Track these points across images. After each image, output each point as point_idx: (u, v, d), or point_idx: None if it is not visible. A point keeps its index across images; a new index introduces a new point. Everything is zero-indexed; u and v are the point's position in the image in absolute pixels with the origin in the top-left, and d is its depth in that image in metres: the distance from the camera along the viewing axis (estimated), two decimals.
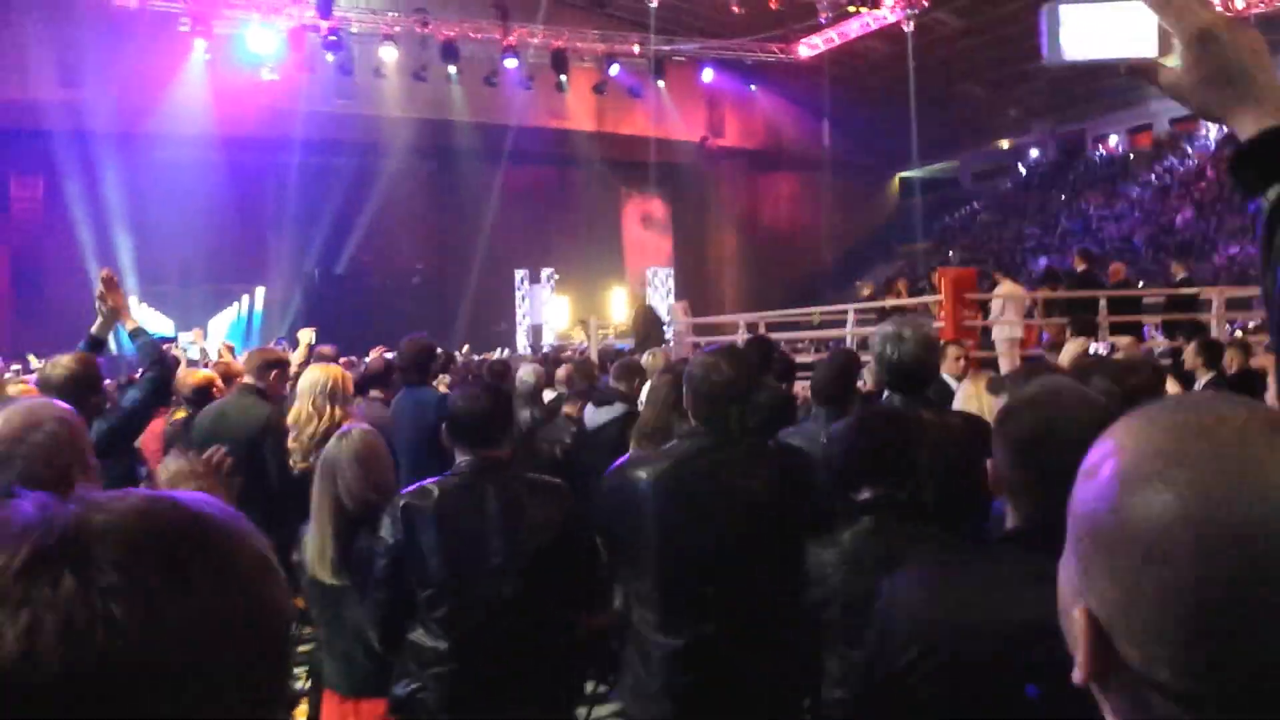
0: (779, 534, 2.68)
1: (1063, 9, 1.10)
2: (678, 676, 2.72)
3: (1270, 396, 5.11)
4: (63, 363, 3.68)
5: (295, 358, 6.25)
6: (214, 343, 24.28)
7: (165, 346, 5.14)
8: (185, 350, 12.10)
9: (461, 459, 2.95)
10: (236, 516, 0.73)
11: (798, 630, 2.77)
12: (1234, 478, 0.68)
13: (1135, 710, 0.72)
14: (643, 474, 2.79)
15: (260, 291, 28.62)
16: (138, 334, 4.53)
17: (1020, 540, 1.64)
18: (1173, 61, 1.05)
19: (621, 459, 2.97)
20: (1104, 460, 0.74)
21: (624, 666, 3.01)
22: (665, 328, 14.02)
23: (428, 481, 2.93)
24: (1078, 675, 0.74)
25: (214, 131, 24.42)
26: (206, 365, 8.69)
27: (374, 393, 6.56)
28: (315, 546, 3.09)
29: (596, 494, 2.95)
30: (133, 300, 25.54)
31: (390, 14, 25.13)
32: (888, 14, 25.46)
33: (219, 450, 2.20)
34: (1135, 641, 0.70)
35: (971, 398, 3.75)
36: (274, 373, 5.10)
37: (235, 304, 28.84)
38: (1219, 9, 1.08)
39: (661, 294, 33.36)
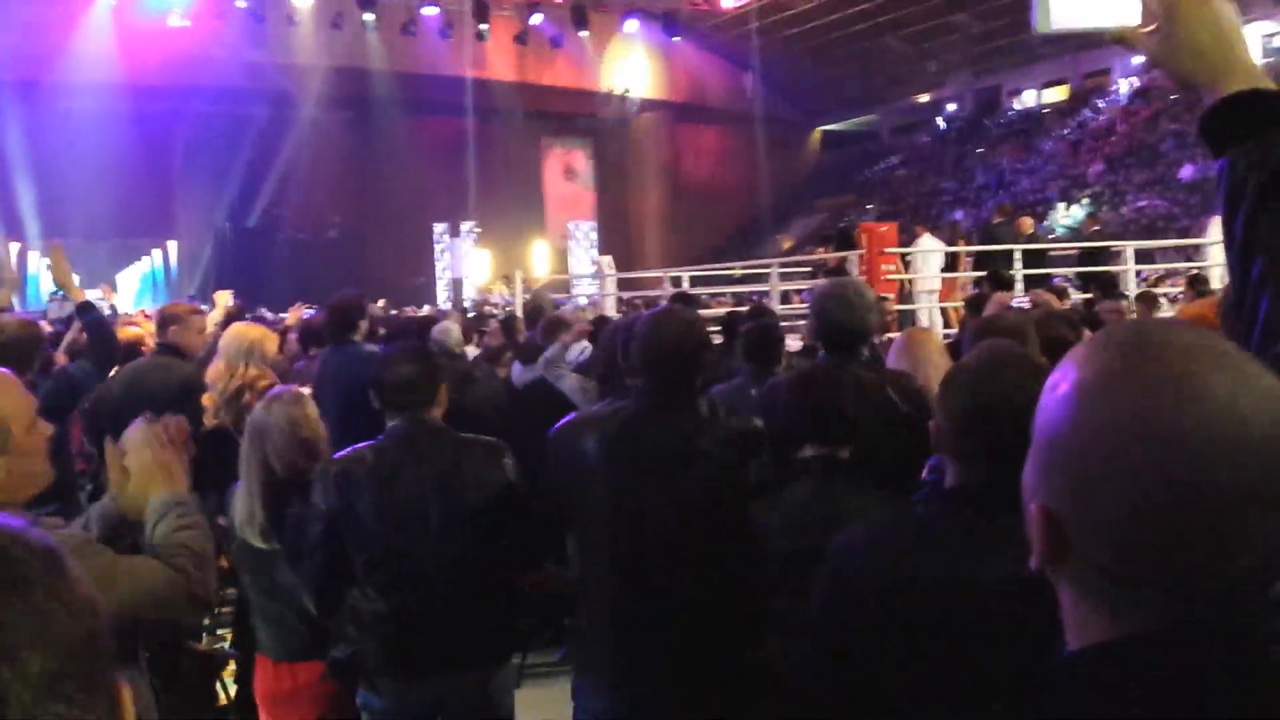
0: (726, 494, 2.70)
1: None
2: (627, 631, 2.74)
3: None
4: (7, 328, 3.73)
5: (212, 319, 6.09)
6: (121, 301, 23.58)
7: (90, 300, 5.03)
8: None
9: (393, 422, 2.92)
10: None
11: (746, 586, 2.81)
12: (1174, 391, 0.76)
13: (1082, 590, 0.82)
14: (590, 434, 2.78)
15: (172, 246, 27.80)
16: (86, 309, 4.58)
17: (964, 499, 1.67)
18: (1152, 30, 1.12)
19: (567, 417, 2.94)
20: (1063, 377, 0.83)
21: (572, 626, 3.02)
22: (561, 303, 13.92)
23: (361, 446, 2.89)
24: (1034, 561, 0.84)
25: (120, 80, 23.51)
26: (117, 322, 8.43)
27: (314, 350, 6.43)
28: (244, 511, 3.04)
29: (543, 453, 2.94)
30: (34, 255, 24.69)
31: None
32: None
33: (179, 420, 2.16)
34: (1082, 531, 0.79)
35: (905, 354, 3.80)
36: (182, 329, 4.94)
37: (145, 258, 27.99)
38: None
39: (584, 247, 33.22)
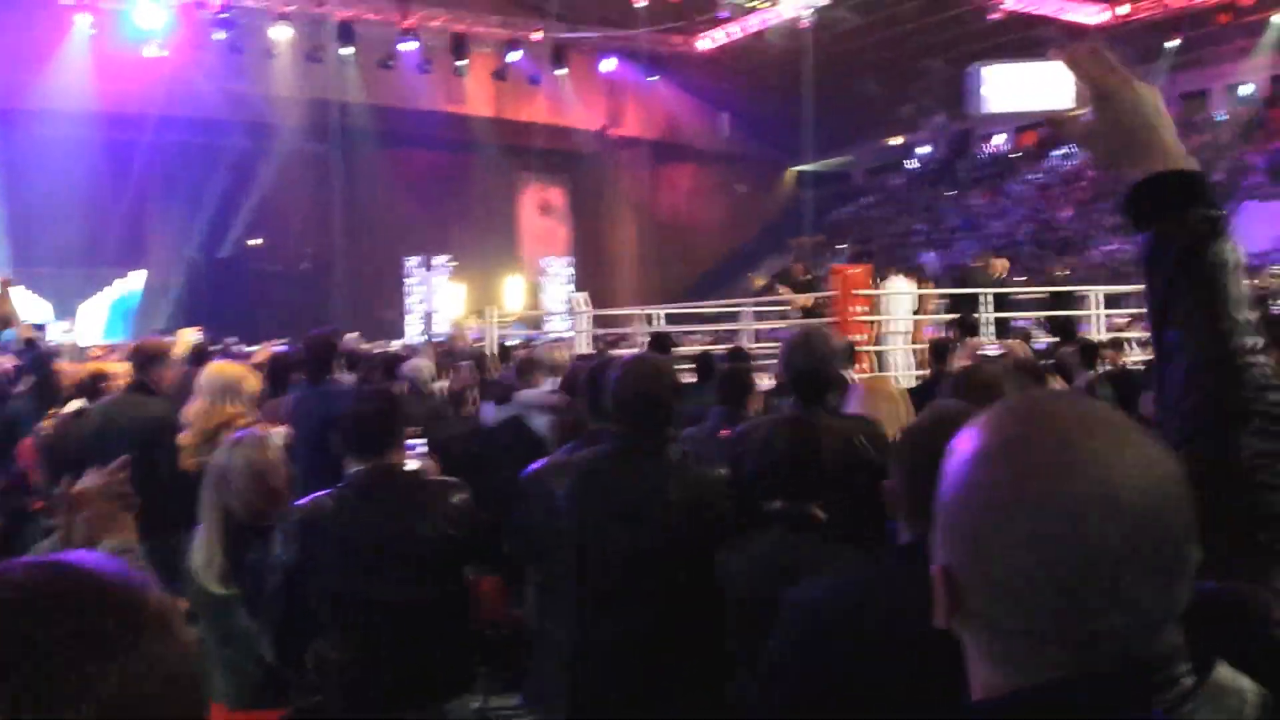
0: (692, 541, 2.71)
1: (985, 70, 1.20)
2: (586, 678, 2.74)
3: (1147, 401, 5.34)
4: None
5: (175, 354, 6.04)
6: (89, 331, 23.35)
7: (35, 336, 5.04)
8: (55, 342, 11.57)
9: (353, 468, 2.90)
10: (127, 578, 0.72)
11: (710, 633, 2.81)
12: (1055, 458, 0.82)
13: (979, 645, 0.88)
14: (562, 478, 2.80)
15: (140, 275, 27.56)
16: (29, 346, 4.62)
17: (914, 556, 1.69)
18: (1084, 114, 1.19)
19: (541, 461, 2.96)
20: (964, 444, 0.89)
21: (532, 669, 3.02)
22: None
23: (321, 495, 2.87)
24: (936, 618, 0.89)
25: (96, 108, 23.39)
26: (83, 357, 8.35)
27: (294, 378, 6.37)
28: (203, 556, 3.00)
29: (513, 497, 2.95)
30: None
31: None
32: (787, 9, 25.75)
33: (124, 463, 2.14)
34: (976, 589, 0.85)
35: (866, 401, 3.83)
36: (157, 367, 4.91)
37: (113, 287, 27.72)
38: (1122, 70, 1.19)
39: (558, 283, 33.23)
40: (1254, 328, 1.13)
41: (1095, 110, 1.18)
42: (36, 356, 4.62)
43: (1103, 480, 0.80)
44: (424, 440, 4.21)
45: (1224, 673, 0.85)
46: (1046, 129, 32.30)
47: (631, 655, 2.71)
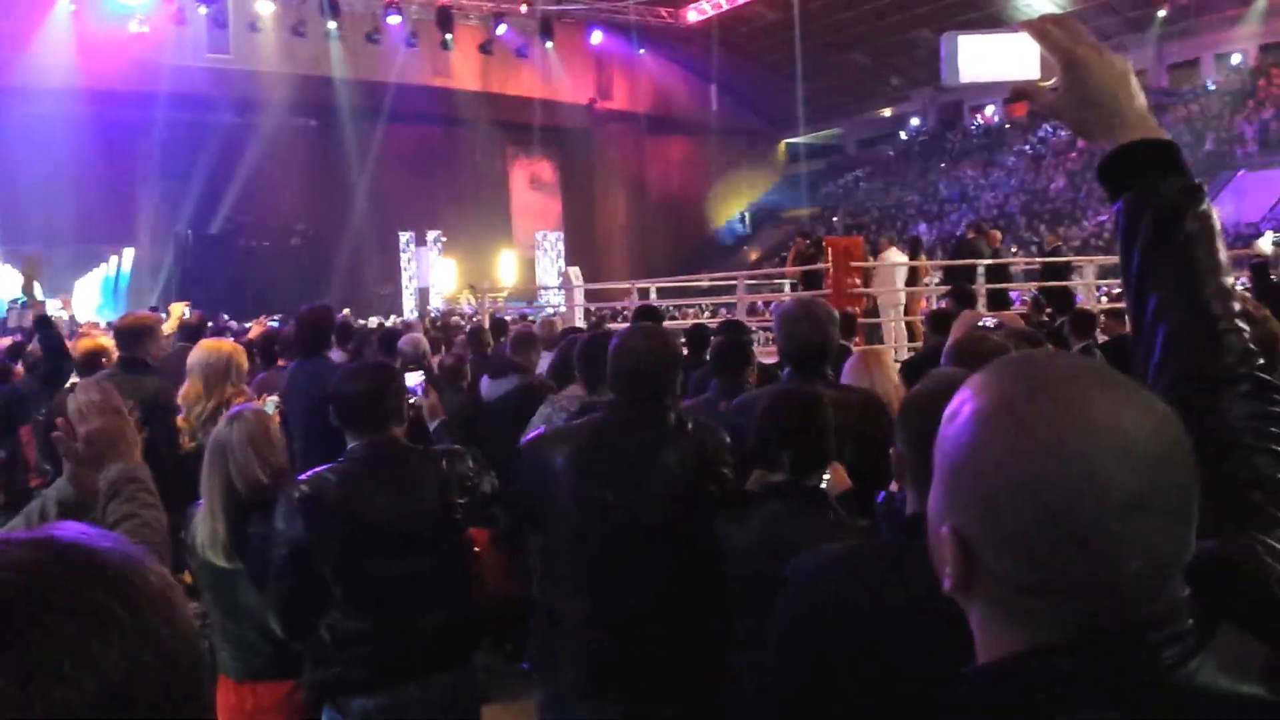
0: (694, 508, 2.71)
1: (960, 38, 1.24)
2: (591, 645, 2.75)
3: None
4: None
5: (165, 331, 5.99)
6: (80, 309, 23.23)
7: (50, 317, 5.00)
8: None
9: (353, 443, 2.89)
10: (128, 551, 0.71)
11: (709, 598, 2.82)
12: (1064, 409, 0.83)
13: (992, 607, 0.88)
14: (560, 446, 2.79)
15: (129, 253, 27.43)
16: (43, 324, 4.53)
17: (922, 527, 1.68)
18: (1052, 84, 1.20)
19: (537, 431, 2.95)
20: (962, 405, 0.89)
21: (535, 636, 3.02)
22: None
23: (323, 469, 2.85)
24: (947, 584, 0.89)
25: (80, 85, 23.22)
26: (74, 334, 8.31)
27: (282, 361, 6.35)
28: (206, 530, 2.98)
29: (512, 467, 2.94)
30: None
31: None
32: None
33: (131, 406, 2.10)
34: (991, 548, 0.85)
35: (862, 372, 3.83)
36: (147, 342, 4.84)
37: (105, 265, 27.59)
38: (1090, 40, 1.19)
39: (551, 257, 33.17)
40: (1234, 293, 1.15)
41: (1064, 80, 1.19)
42: (52, 336, 4.54)
43: (1113, 428, 0.82)
44: (422, 373, 4.19)
45: (1229, 631, 0.86)
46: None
47: (637, 622, 2.71)
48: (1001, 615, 0.87)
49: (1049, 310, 9.19)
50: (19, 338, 7.99)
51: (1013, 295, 12.71)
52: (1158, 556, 0.82)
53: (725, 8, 28.51)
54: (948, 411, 0.91)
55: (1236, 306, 1.14)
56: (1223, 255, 1.15)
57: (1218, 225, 1.16)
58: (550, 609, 2.88)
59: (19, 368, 5.68)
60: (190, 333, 6.77)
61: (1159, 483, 0.81)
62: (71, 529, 0.71)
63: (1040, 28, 1.20)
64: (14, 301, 14.65)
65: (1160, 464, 0.82)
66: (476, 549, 3.33)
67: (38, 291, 4.89)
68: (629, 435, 2.76)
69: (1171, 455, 0.83)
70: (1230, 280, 1.15)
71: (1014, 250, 21.40)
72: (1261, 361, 1.13)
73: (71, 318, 12.74)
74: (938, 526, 0.90)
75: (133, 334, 4.78)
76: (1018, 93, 1.23)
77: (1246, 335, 1.13)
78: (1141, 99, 1.20)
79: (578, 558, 2.78)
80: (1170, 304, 1.14)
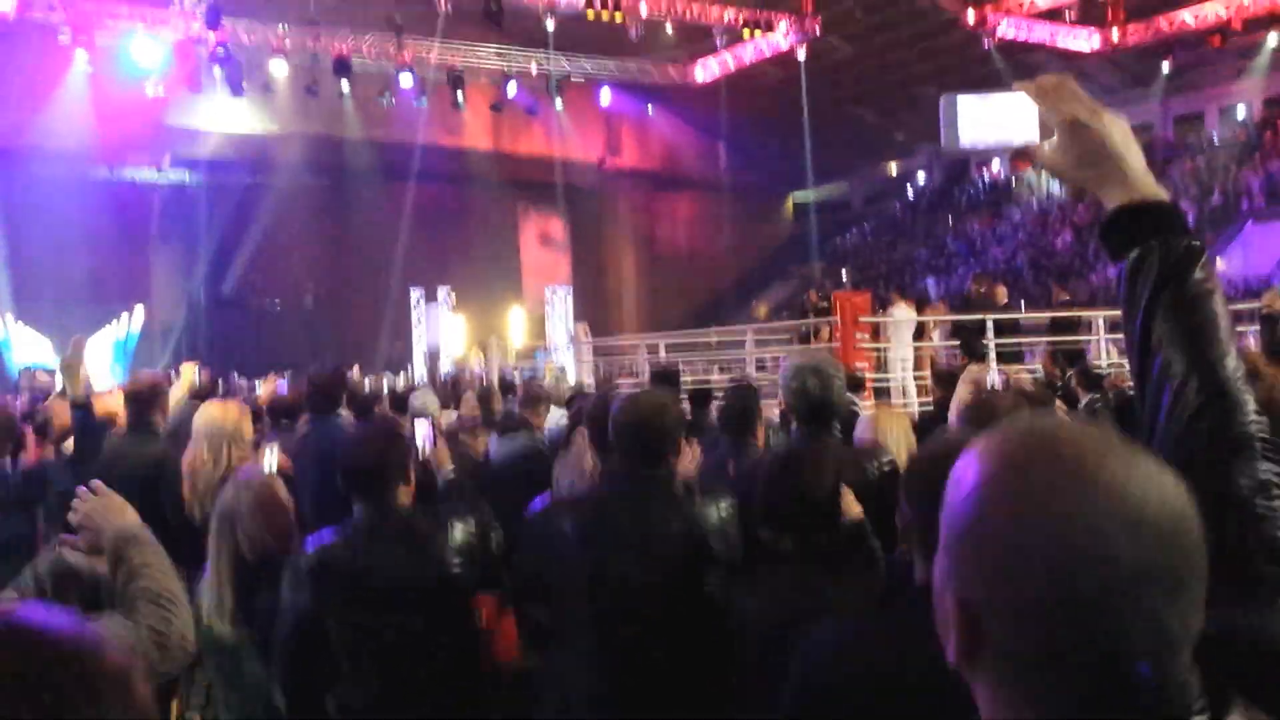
0: (701, 577, 2.69)
1: (960, 100, 1.24)
2: (601, 711, 2.71)
3: None
4: None
5: (175, 393, 5.96)
6: (95, 372, 23.24)
7: (44, 376, 5.04)
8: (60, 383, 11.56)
9: (359, 508, 2.88)
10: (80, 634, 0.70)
11: (722, 668, 2.78)
12: (1073, 477, 0.82)
13: (999, 680, 0.86)
14: (567, 516, 2.78)
15: (139, 312, 27.62)
16: (81, 407, 4.63)
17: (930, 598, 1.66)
18: (1051, 145, 1.20)
19: (541, 501, 2.93)
20: (968, 472, 0.87)
21: (544, 710, 2.98)
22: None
23: (329, 536, 2.84)
24: (951, 656, 0.87)
25: (95, 147, 23.55)
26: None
27: (286, 421, 6.34)
28: (212, 597, 2.97)
29: (517, 537, 2.92)
30: (9, 318, 24.48)
31: (280, 27, 24.54)
32: (781, 40, 25.94)
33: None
34: (998, 618, 0.83)
35: (877, 429, 3.82)
36: (155, 405, 4.80)
37: (116, 325, 27.75)
38: (1088, 100, 1.19)
39: (561, 313, 33.27)
40: (1240, 354, 1.14)
41: (1063, 141, 1.19)
42: (90, 424, 4.56)
43: (1122, 498, 0.81)
44: (430, 421, 4.17)
45: (1241, 706, 0.85)
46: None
47: (643, 691, 2.68)
48: (1008, 689, 0.85)
49: (1069, 374, 9.17)
50: (37, 398, 8.00)
51: (1024, 351, 12.68)
52: (1166, 631, 0.81)
53: (733, 68, 28.83)
54: (953, 478, 0.89)
55: (1243, 368, 1.12)
56: (1226, 316, 1.14)
57: (1220, 285, 1.15)
58: (556, 679, 2.84)
59: (29, 433, 5.66)
60: (202, 394, 6.79)
61: (1168, 554, 0.80)
62: (32, 613, 0.70)
63: (1038, 88, 1.20)
64: (26, 368, 14.70)
65: (1169, 535, 0.81)
66: (485, 617, 3.30)
67: (83, 375, 4.81)
68: (635, 505, 2.74)
69: (1180, 527, 0.82)
70: (1235, 341, 1.14)
71: (1023, 304, 21.40)
72: (1266, 425, 1.11)
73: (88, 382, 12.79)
74: (943, 596, 0.89)
75: (141, 399, 4.75)
76: (1018, 154, 1.24)
77: (1252, 400, 1.11)
78: (1141, 158, 1.19)
79: (586, 627, 2.75)
80: (1176, 366, 1.12)
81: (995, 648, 0.84)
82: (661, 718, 2.67)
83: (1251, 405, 1.10)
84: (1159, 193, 1.17)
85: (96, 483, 2.16)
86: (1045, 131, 1.20)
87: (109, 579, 2.01)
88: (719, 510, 2.79)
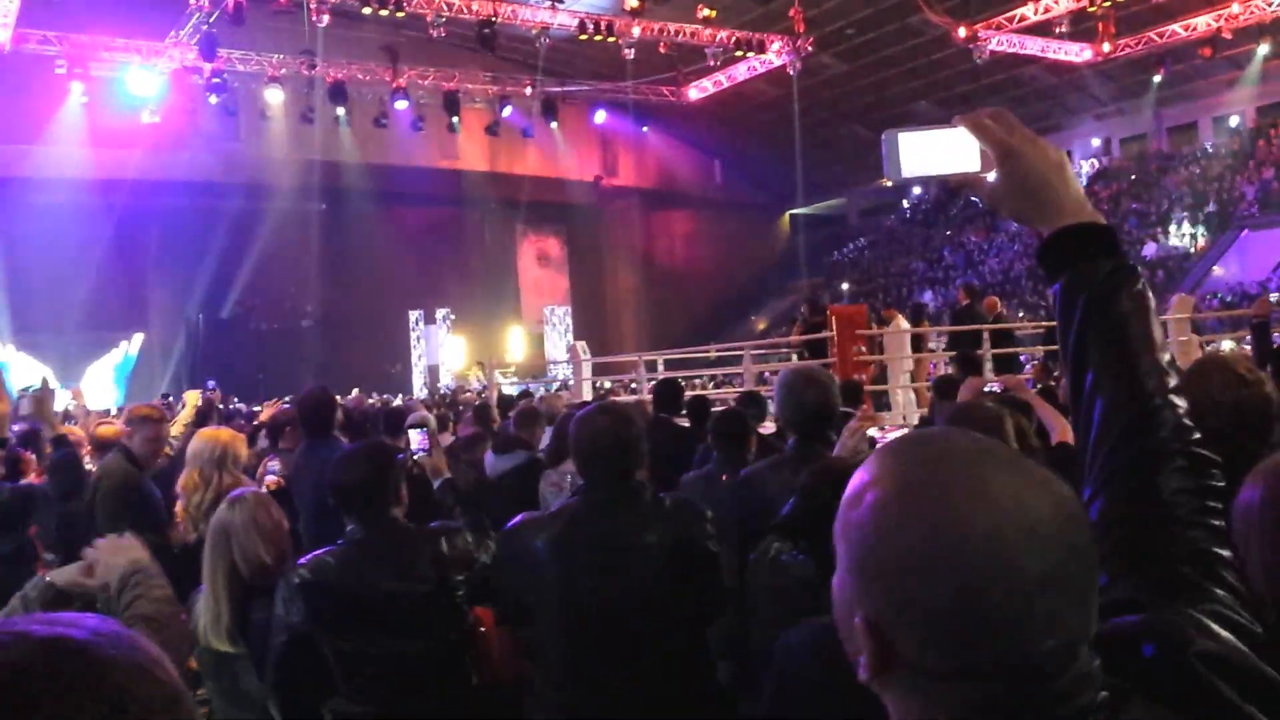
0: (677, 587, 2.69)
1: (900, 135, 1.27)
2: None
3: None
4: None
5: (180, 419, 6.01)
6: (92, 395, 23.31)
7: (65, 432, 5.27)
8: (67, 408, 11.55)
9: (352, 526, 2.89)
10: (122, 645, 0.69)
11: (701, 680, 2.78)
12: (966, 491, 0.84)
13: (911, 694, 0.87)
14: (537, 536, 2.77)
15: (138, 338, 27.66)
16: (60, 443, 4.98)
17: None
18: (991, 176, 1.23)
19: (516, 519, 2.92)
20: (864, 491, 0.89)
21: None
22: None
23: (323, 553, 2.85)
24: (863, 674, 0.88)
25: (92, 175, 23.66)
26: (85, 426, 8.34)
27: (283, 444, 6.35)
28: (210, 615, 2.98)
29: (495, 556, 2.92)
30: (10, 349, 24.54)
31: (275, 56, 24.67)
32: (774, 58, 26.06)
33: None
34: (903, 634, 0.84)
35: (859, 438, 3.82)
36: (140, 433, 4.81)
37: (116, 350, 27.81)
38: (1024, 130, 1.23)
39: (559, 332, 33.33)
40: (1171, 369, 1.17)
41: (1000, 171, 1.22)
42: (68, 458, 4.90)
43: (1016, 507, 0.83)
44: (425, 431, 4.17)
45: (1139, 703, 0.87)
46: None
47: (624, 707, 2.67)
48: (919, 702, 0.87)
49: (1056, 374, 9.17)
50: (33, 423, 8.03)
51: (1021, 359, 12.71)
52: (1068, 632, 0.83)
53: (726, 85, 28.95)
54: (847, 496, 0.90)
55: (1172, 382, 1.16)
56: (1157, 333, 1.18)
57: (1153, 304, 1.19)
58: (540, 694, 2.83)
59: (30, 455, 5.68)
60: (201, 419, 6.80)
61: (1065, 560, 0.83)
62: (74, 622, 0.70)
63: (975, 121, 1.23)
64: (25, 389, 14.68)
65: (1064, 541, 0.83)
66: (483, 628, 3.30)
67: (53, 418, 5.38)
68: (607, 519, 2.72)
69: (1073, 532, 0.84)
70: (1166, 356, 1.18)
71: (1020, 315, 21.45)
72: (1197, 436, 1.14)
73: (84, 409, 12.75)
74: (848, 616, 0.89)
75: (133, 424, 4.90)
76: (959, 184, 1.27)
77: (1181, 411, 1.15)
78: (1077, 186, 1.24)
79: (563, 644, 2.74)
80: (1105, 380, 1.16)
81: (904, 663, 0.85)
82: None
83: (1176, 417, 1.14)
84: (1094, 217, 1.22)
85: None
86: (987, 164, 1.23)
87: (104, 599, 2.04)
88: (691, 520, 2.79)
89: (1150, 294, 1.20)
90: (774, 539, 2.68)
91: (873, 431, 3.25)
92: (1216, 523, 1.11)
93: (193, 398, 6.78)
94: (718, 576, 2.84)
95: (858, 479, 0.91)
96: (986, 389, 5.16)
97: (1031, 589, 0.81)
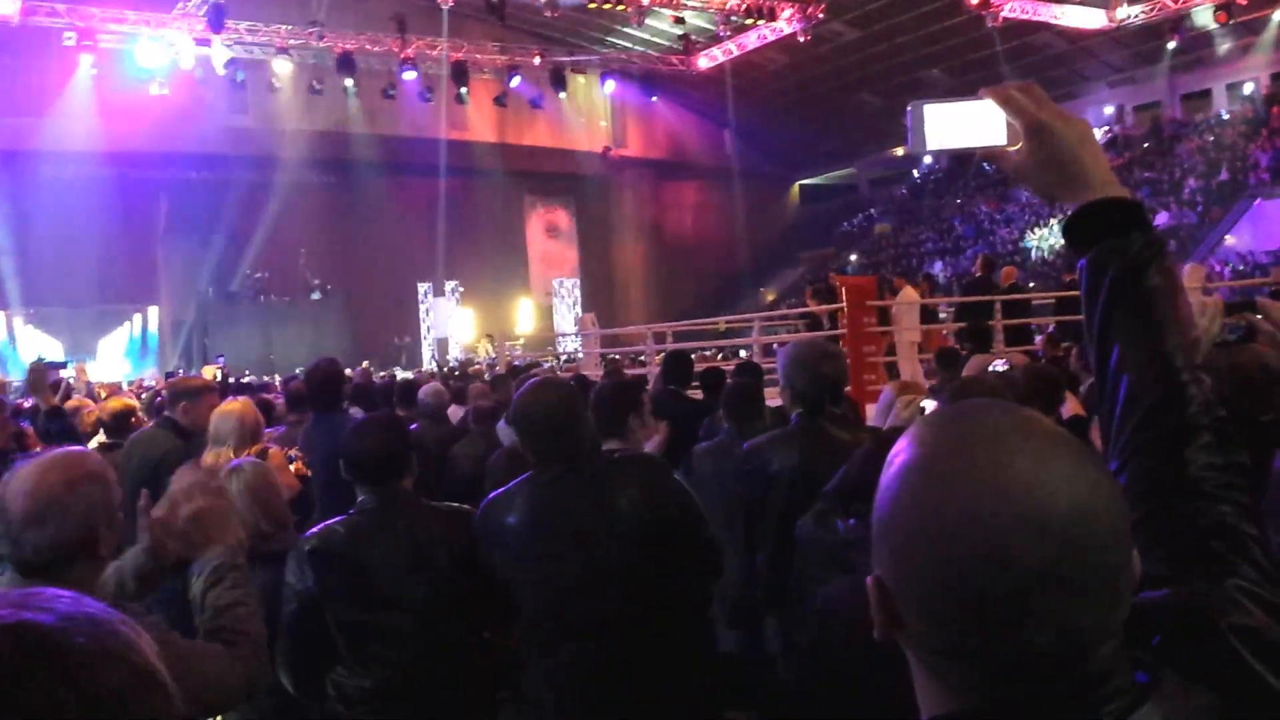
0: (657, 547, 2.69)
1: (926, 107, 1.26)
2: (564, 698, 2.73)
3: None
4: None
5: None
6: (105, 369, 23.44)
7: (54, 375, 5.26)
8: (69, 381, 11.60)
9: (363, 496, 2.90)
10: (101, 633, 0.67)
11: (696, 645, 2.78)
12: (979, 471, 0.82)
13: (917, 661, 0.88)
14: (507, 508, 2.79)
15: (154, 311, 27.77)
16: (55, 416, 5.17)
17: None
18: (1018, 151, 1.23)
19: (492, 494, 2.93)
20: (895, 456, 0.89)
21: (521, 698, 3.00)
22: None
23: (332, 522, 2.86)
24: (876, 632, 0.88)
25: (101, 148, 23.69)
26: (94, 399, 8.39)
27: (294, 417, 6.38)
28: None
29: (471, 536, 2.93)
30: (18, 322, 24.64)
31: (284, 27, 24.59)
32: (784, 25, 25.87)
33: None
34: (905, 603, 0.85)
35: (890, 409, 3.81)
36: (182, 404, 4.84)
37: (126, 324, 27.91)
38: (1052, 105, 1.22)
39: (568, 304, 33.36)
40: (1197, 346, 1.16)
41: (1027, 145, 1.22)
42: (62, 430, 5.00)
43: (1028, 497, 0.80)
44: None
45: (1174, 680, 0.85)
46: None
47: (603, 677, 2.68)
48: (925, 671, 0.87)
49: (1064, 345, 9.14)
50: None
51: (1032, 327, 12.67)
52: (1073, 630, 0.80)
53: (736, 54, 28.77)
54: (889, 456, 0.90)
55: (1198, 358, 1.16)
56: (1185, 309, 1.17)
57: (1180, 280, 1.18)
58: (528, 668, 2.84)
59: (29, 429, 5.75)
60: (220, 394, 6.83)
61: (1073, 558, 0.80)
62: (45, 605, 0.67)
63: (1003, 94, 1.22)
64: (36, 361, 14.78)
65: (1077, 539, 0.80)
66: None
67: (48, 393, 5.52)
68: (572, 489, 2.73)
69: (1093, 527, 0.81)
70: (1194, 333, 1.19)
71: (1031, 285, 21.36)
72: (1223, 413, 1.14)
73: (88, 384, 12.82)
74: (871, 571, 0.89)
75: (173, 396, 4.95)
76: (985, 157, 1.27)
77: (1207, 386, 1.14)
78: (1104, 160, 1.23)
79: (546, 618, 2.76)
80: (1132, 356, 1.16)
81: (910, 632, 0.85)
82: (626, 698, 2.67)
83: (1203, 393, 1.13)
84: (1121, 192, 1.21)
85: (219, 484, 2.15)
86: (1013, 137, 1.22)
87: (195, 593, 2.02)
88: (652, 474, 2.80)
89: (1177, 272, 1.19)
90: (824, 505, 2.68)
91: (927, 402, 3.24)
92: (1243, 499, 1.10)
93: (209, 373, 6.80)
94: (701, 530, 2.85)
95: (897, 445, 0.90)
96: (993, 366, 5.11)
97: (1025, 582, 0.79)
